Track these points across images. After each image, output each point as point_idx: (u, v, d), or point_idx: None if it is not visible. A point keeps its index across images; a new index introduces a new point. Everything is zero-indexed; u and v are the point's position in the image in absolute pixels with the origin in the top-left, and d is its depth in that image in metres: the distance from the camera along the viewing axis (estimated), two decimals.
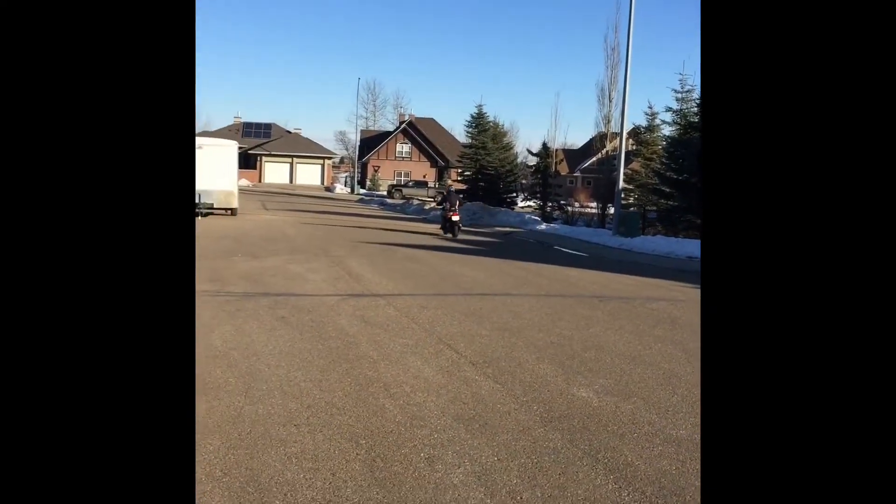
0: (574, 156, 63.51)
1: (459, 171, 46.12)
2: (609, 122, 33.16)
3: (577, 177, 60.92)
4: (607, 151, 34.58)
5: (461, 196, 26.96)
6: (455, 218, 22.16)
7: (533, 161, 41.36)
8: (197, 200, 23.89)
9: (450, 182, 42.86)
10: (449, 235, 21.89)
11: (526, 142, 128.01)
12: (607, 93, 32.92)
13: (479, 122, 41.42)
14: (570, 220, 35.07)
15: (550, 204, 38.08)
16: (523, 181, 47.45)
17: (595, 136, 40.26)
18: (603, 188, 34.12)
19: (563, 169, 55.52)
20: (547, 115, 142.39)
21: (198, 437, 4.31)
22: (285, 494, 3.62)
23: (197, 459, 3.98)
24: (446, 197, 23.30)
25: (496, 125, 41.97)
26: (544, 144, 38.98)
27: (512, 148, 43.56)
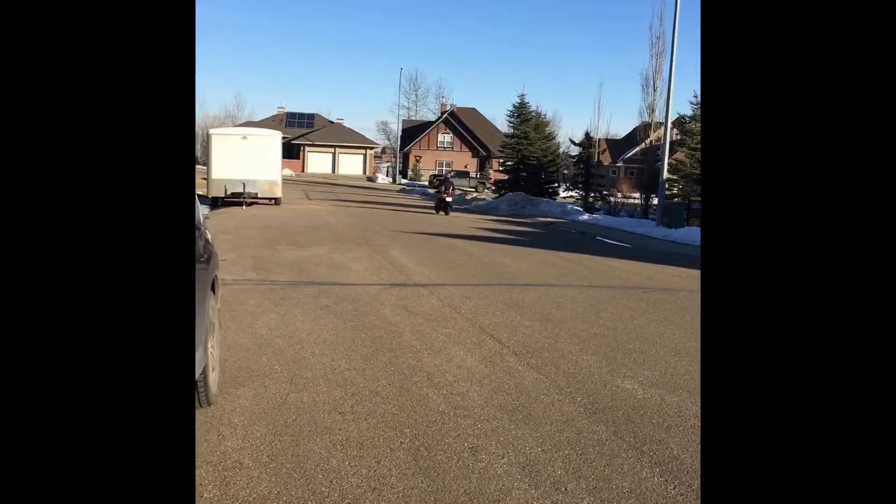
0: (617, 145, 62.93)
1: (501, 161, 45.97)
2: (653, 111, 32.82)
3: (619, 167, 60.37)
4: (651, 141, 34.21)
5: (453, 183, 32.56)
6: (448, 199, 27.48)
7: (575, 151, 41.06)
8: (242, 190, 24.18)
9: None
10: (441, 213, 26.59)
11: (568, 131, 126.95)
12: (651, 82, 32.59)
13: (521, 112, 41.18)
14: (613, 210, 34.77)
15: (593, 194, 37.78)
16: (565, 171, 47.14)
17: (638, 126, 39.84)
18: (646, 178, 33.77)
19: (606, 159, 55.09)
20: (590, 105, 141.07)
21: (245, 423, 4.37)
22: (331, 481, 3.65)
23: (244, 445, 4.04)
24: (443, 182, 29.77)
25: (538, 115, 41.69)
26: (587, 134, 38.68)
27: (554, 138, 43.34)
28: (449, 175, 28.74)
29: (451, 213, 27.22)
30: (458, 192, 36.57)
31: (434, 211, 27.42)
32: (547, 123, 43.22)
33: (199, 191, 5.25)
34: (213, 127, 44.41)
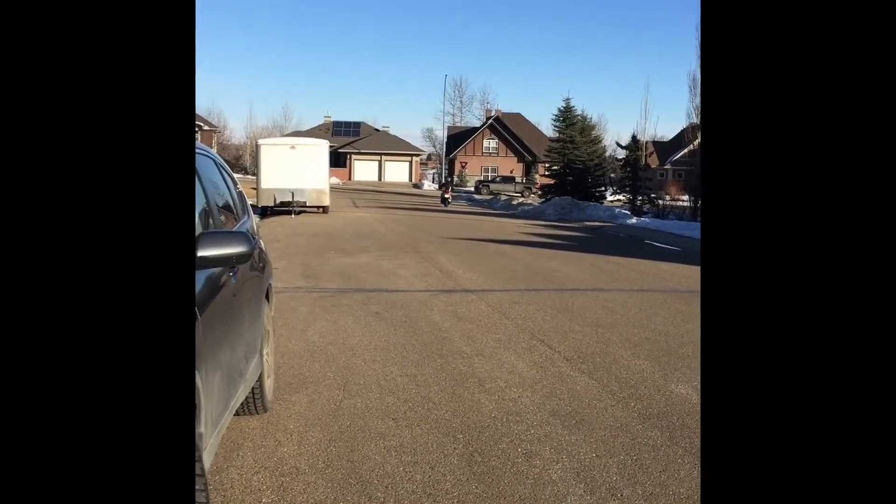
0: (664, 148, 62.25)
1: (547, 165, 45.81)
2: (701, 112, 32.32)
3: (667, 169, 59.69)
4: (699, 143, 33.73)
5: (453, 184, 46.47)
6: (447, 196, 36.81)
7: (622, 154, 40.69)
8: (290, 199, 24.49)
9: (456, 176, 60.30)
10: (443, 206, 35.10)
11: (614, 134, 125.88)
12: (699, 83, 32.12)
13: (566, 116, 40.98)
14: (662, 213, 34.33)
15: (640, 197, 37.36)
16: (612, 175, 46.77)
17: (686, 128, 39.28)
18: (695, 180, 33.28)
19: (654, 161, 54.48)
20: (636, 107, 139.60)
21: (300, 429, 4.43)
22: (386, 487, 3.68)
23: (300, 451, 4.09)
24: (445, 184, 42.50)
25: (584, 118, 41.45)
26: (633, 137, 38.29)
27: (600, 141, 43.06)
28: (448, 180, 46.55)
29: (451, 206, 35.55)
30: (458, 191, 50.30)
31: (440, 203, 36.55)
32: (593, 127, 42.98)
33: (250, 200, 5.33)
34: (261, 137, 45.09)
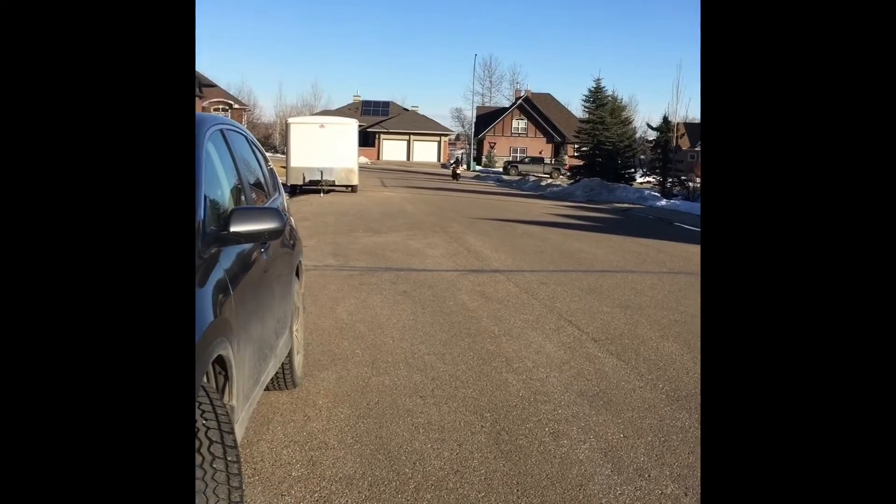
0: (696, 130, 61.45)
1: (576, 146, 45.49)
2: None
3: (698, 151, 58.97)
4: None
5: (460, 163, 51.10)
6: (458, 171, 43.26)
7: (652, 135, 40.26)
8: (319, 178, 24.55)
9: (460, 154, 63.99)
10: (454, 179, 40.15)
11: (645, 115, 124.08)
12: None
13: (596, 97, 40.62)
14: (692, 195, 33.96)
15: (671, 179, 36.97)
16: (642, 156, 46.36)
17: None
18: None
19: (685, 143, 53.91)
20: (668, 88, 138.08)
21: (329, 405, 4.47)
22: (414, 463, 3.71)
23: (329, 427, 4.13)
24: (455, 162, 48.81)
25: (614, 99, 41.05)
26: (665, 118, 37.84)
27: (630, 122, 42.60)
28: (457, 159, 52.71)
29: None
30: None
31: (450, 177, 42.13)
32: (623, 108, 42.52)
33: (280, 179, 5.38)
34: (290, 116, 45.22)
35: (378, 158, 68.69)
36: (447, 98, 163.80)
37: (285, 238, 4.30)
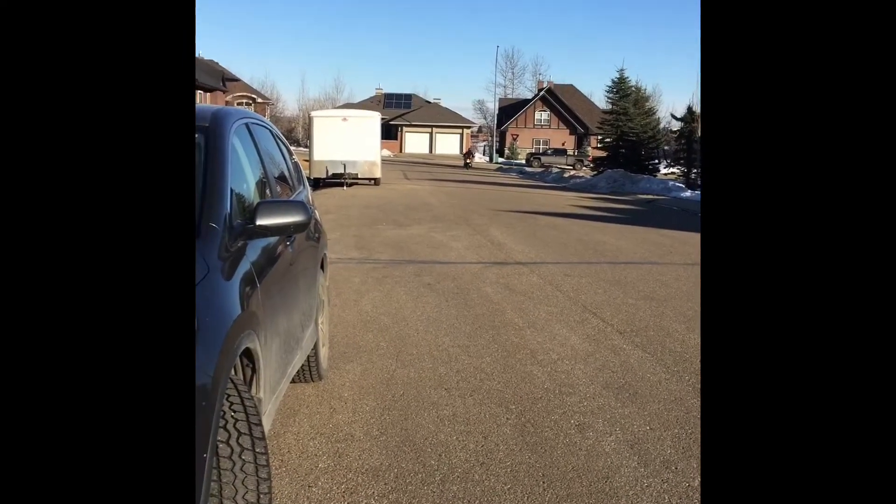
0: None
1: (599, 137, 45.23)
2: None
3: None
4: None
5: (474, 155, 54.77)
6: (469, 161, 48.85)
7: (676, 126, 39.90)
8: (342, 171, 24.61)
9: (470, 145, 66.14)
10: (466, 167, 44.71)
11: (669, 106, 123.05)
12: None
13: (620, 87, 40.29)
14: None
15: (695, 170, 36.67)
16: (666, 147, 45.96)
17: None
18: None
19: None
20: (692, 78, 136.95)
21: (355, 397, 4.49)
22: (440, 455, 3.72)
23: (355, 419, 4.15)
24: (468, 153, 51.95)
25: (638, 90, 40.68)
26: (689, 108, 37.48)
27: (654, 113, 42.17)
28: (470, 150, 54.97)
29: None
30: (476, 157, 57.40)
31: (462, 166, 46.67)
32: (647, 98, 42.15)
33: (304, 172, 5.40)
34: (313, 110, 45.35)
35: (401, 151, 68.72)
36: (469, 90, 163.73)
37: (310, 231, 4.32)
